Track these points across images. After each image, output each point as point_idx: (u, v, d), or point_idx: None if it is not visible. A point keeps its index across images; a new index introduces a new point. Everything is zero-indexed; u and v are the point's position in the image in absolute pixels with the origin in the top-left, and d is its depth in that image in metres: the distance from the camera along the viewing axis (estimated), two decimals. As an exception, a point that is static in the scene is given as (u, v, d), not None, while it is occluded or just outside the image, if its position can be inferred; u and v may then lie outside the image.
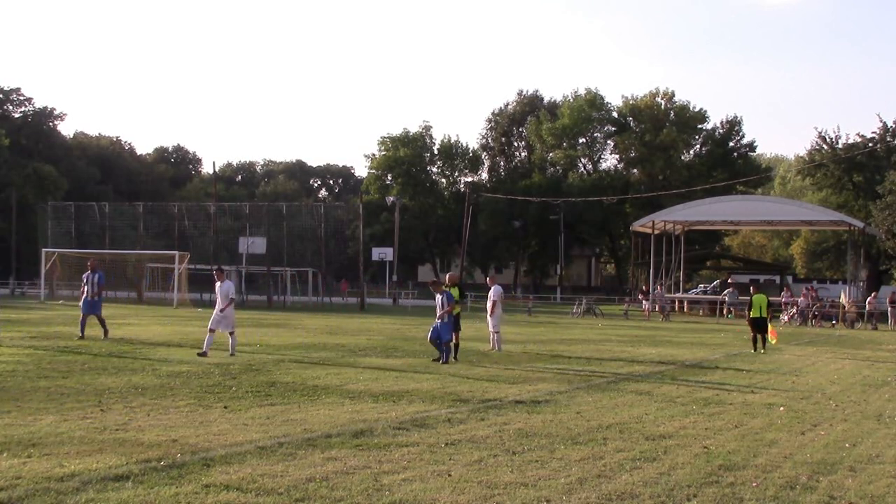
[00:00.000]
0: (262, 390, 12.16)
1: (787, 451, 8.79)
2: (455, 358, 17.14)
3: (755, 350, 21.94)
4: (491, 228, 72.12)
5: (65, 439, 8.33)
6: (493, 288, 20.83)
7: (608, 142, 78.55)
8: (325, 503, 6.41)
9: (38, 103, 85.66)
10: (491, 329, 20.38)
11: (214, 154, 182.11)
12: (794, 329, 36.14)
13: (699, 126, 73.90)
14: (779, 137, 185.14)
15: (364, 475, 7.20)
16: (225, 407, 10.58)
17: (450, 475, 7.29)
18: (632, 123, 74.51)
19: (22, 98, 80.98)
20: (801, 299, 41.40)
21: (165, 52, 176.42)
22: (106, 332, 20.35)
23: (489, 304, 20.45)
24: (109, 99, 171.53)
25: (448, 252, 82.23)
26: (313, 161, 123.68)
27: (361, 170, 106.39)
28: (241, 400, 11.22)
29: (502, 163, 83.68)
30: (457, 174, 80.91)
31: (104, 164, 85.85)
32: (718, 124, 74.67)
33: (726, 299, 43.34)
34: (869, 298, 40.10)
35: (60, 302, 40.28)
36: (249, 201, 71.93)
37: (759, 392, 13.72)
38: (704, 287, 57.48)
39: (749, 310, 22.58)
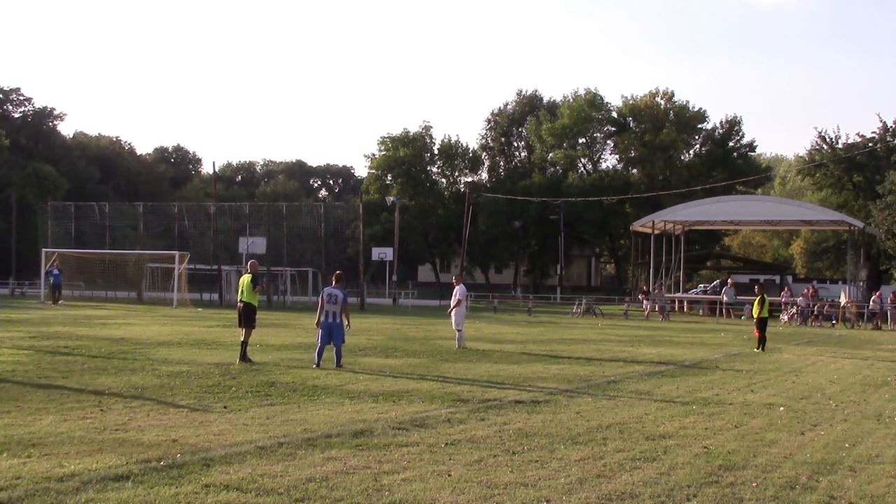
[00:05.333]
0: (262, 390, 12.16)
1: (787, 451, 8.79)
2: (243, 359, 15.58)
3: (763, 349, 21.97)
4: (491, 228, 72.05)
5: (65, 439, 8.34)
6: (458, 287, 21.06)
7: (608, 142, 78.43)
8: (325, 503, 6.41)
9: (38, 103, 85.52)
10: (456, 326, 20.67)
11: (214, 154, 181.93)
12: (794, 329, 36.14)
13: (699, 126, 73.79)
14: (779, 137, 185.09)
15: (364, 475, 7.21)
16: (225, 407, 10.58)
17: (450, 475, 7.30)
18: (631, 123, 74.41)
19: (22, 98, 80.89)
20: (800, 299, 41.41)
21: (165, 51, 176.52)
22: None
23: (453, 302, 20.91)
24: (109, 99, 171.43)
25: (448, 252, 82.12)
26: (313, 161, 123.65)
27: (361, 170, 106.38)
28: (241, 400, 11.23)
29: (502, 163, 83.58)
30: (457, 174, 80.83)
31: (104, 164, 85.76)
32: (718, 124, 74.61)
33: (725, 299, 43.32)
34: (873, 297, 39.95)
35: (60, 302, 40.29)
36: (249, 201, 71.83)
37: (759, 392, 13.73)
38: (704, 287, 57.41)
39: (761, 309, 22.55)
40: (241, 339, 15.93)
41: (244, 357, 15.72)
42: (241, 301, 16.21)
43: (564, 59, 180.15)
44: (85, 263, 48.27)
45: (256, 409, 10.54)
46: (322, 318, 15.62)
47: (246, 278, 16.27)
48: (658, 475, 7.54)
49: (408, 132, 77.22)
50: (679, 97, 75.92)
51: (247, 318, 16.04)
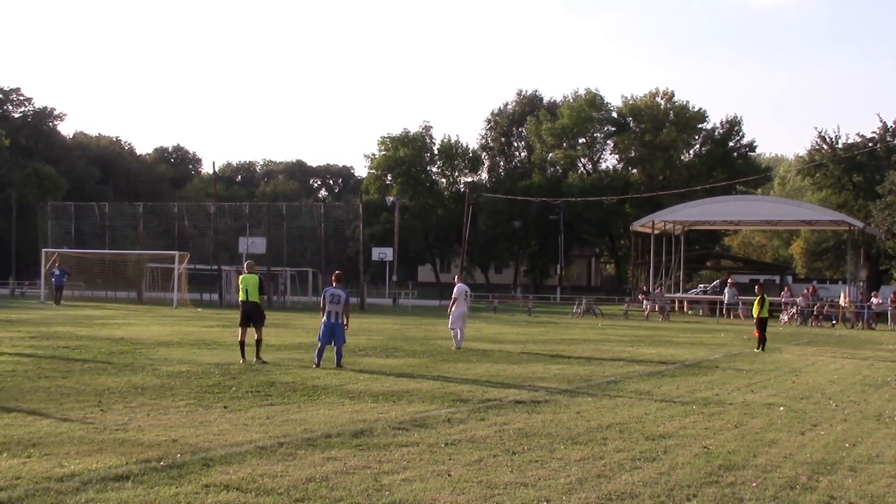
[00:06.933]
0: (262, 390, 12.16)
1: (787, 451, 8.79)
2: (259, 357, 15.75)
3: (763, 349, 21.97)
4: (491, 228, 72.02)
5: (65, 439, 8.33)
6: (456, 287, 21.06)
7: (608, 142, 78.40)
8: (325, 503, 6.41)
9: (38, 103, 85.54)
10: (450, 326, 20.70)
11: (214, 154, 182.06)
12: (794, 329, 36.13)
13: (699, 126, 73.76)
14: (779, 137, 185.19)
15: (364, 475, 7.21)
16: (225, 407, 10.58)
17: (450, 475, 7.30)
18: (631, 123, 74.36)
19: (22, 98, 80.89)
20: (800, 299, 41.40)
21: (165, 51, 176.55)
22: None
23: (451, 302, 20.87)
24: (109, 99, 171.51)
25: (448, 252, 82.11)
26: (313, 161, 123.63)
27: (361, 170, 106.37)
28: (241, 400, 11.23)
29: (502, 163, 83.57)
30: (457, 174, 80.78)
31: (104, 164, 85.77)
32: (718, 124, 74.57)
33: (725, 299, 43.32)
34: (875, 300, 39.83)
35: (62, 303, 40.26)
36: (249, 201, 71.83)
37: (759, 392, 13.73)
38: (704, 287, 57.39)
39: (761, 309, 22.51)
40: (256, 338, 15.87)
41: (258, 356, 15.79)
42: (247, 301, 15.95)
43: (564, 59, 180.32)
44: (85, 263, 48.25)
45: (256, 409, 10.54)
46: (325, 319, 15.63)
47: (252, 279, 16.10)
48: (658, 475, 7.54)
49: (408, 132, 77.22)
50: (679, 97, 75.96)
51: (258, 317, 15.99)
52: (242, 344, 15.89)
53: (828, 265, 72.34)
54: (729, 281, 46.29)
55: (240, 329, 16.00)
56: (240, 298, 16.19)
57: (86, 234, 53.39)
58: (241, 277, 16.42)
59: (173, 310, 38.13)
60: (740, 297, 42.05)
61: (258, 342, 15.94)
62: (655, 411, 11.25)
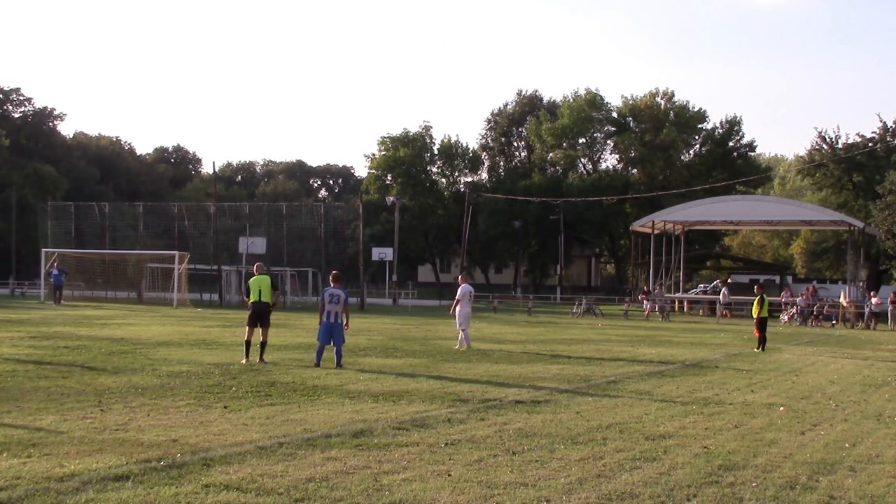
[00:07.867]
0: (262, 390, 12.16)
1: (787, 451, 8.79)
2: (261, 359, 15.72)
3: (763, 349, 21.97)
4: (491, 228, 72.04)
5: (65, 439, 8.33)
6: (460, 287, 21.10)
7: (608, 142, 78.41)
8: (325, 503, 6.41)
9: (38, 103, 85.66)
10: (458, 326, 20.72)
11: (214, 154, 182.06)
12: (794, 329, 36.13)
13: (699, 126, 73.75)
14: (779, 137, 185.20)
15: (364, 475, 7.20)
16: (225, 407, 10.58)
17: (450, 475, 7.30)
18: (631, 123, 74.35)
19: (22, 98, 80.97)
20: (800, 299, 41.41)
21: (165, 51, 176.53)
22: None
23: (454, 302, 21.01)
24: (109, 99, 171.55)
25: (448, 252, 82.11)
26: (313, 161, 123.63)
27: (361, 170, 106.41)
28: (241, 400, 11.22)
29: (502, 163, 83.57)
30: (457, 174, 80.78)
31: (104, 164, 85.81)
32: (718, 124, 74.54)
33: (722, 299, 43.37)
34: (876, 299, 39.79)
35: (62, 303, 40.26)
36: (249, 201, 71.86)
37: (759, 392, 13.73)
38: (704, 287, 57.41)
39: (761, 309, 22.49)
40: (262, 339, 15.90)
41: (262, 357, 15.80)
42: (259, 301, 15.98)
43: (564, 59, 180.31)
44: (85, 263, 48.27)
45: (256, 409, 10.54)
46: (324, 319, 15.64)
47: (265, 280, 16.20)
48: (658, 475, 7.54)
49: (408, 132, 77.21)
50: (679, 97, 75.96)
51: (266, 318, 16.05)
52: (248, 343, 15.92)
53: (828, 265, 72.33)
54: (728, 281, 46.40)
55: (247, 328, 16.08)
56: (252, 300, 16.15)
57: (86, 234, 53.43)
58: (252, 279, 16.43)
59: (173, 310, 38.13)
60: (732, 297, 42.24)
61: (263, 344, 15.96)
62: (655, 411, 11.25)
